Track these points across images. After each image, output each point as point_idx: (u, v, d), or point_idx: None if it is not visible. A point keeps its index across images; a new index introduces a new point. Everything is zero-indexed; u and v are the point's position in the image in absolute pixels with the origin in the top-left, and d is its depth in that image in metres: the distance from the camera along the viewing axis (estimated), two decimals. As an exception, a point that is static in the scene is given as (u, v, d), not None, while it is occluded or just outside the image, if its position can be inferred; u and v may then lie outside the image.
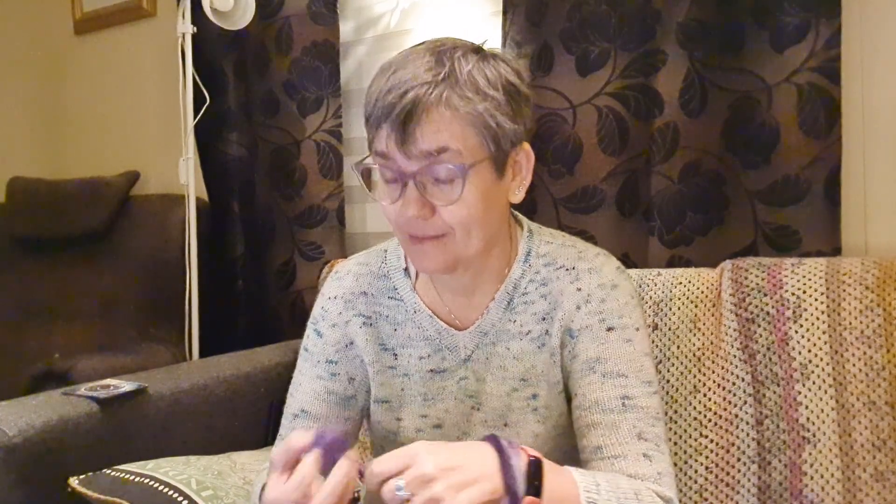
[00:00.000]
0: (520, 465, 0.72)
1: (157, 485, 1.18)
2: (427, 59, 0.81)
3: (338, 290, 1.01)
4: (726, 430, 1.21)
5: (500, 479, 0.70)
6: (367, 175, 0.87)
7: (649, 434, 0.84)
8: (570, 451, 0.92)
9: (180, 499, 1.15)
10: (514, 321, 0.93)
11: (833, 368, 1.16)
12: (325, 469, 0.72)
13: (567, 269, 0.92)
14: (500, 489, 0.69)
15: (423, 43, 0.86)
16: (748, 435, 1.20)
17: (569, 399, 0.93)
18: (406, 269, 0.98)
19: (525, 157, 0.88)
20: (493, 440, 0.73)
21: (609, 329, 0.89)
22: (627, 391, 0.86)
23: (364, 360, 0.99)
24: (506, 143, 0.84)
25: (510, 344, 0.93)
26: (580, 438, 0.88)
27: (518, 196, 0.89)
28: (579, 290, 0.91)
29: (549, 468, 0.74)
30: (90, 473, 1.21)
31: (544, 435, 0.92)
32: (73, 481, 1.19)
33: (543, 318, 0.92)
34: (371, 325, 0.98)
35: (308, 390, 1.00)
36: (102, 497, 1.16)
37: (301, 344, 1.04)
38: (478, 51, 0.84)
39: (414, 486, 0.68)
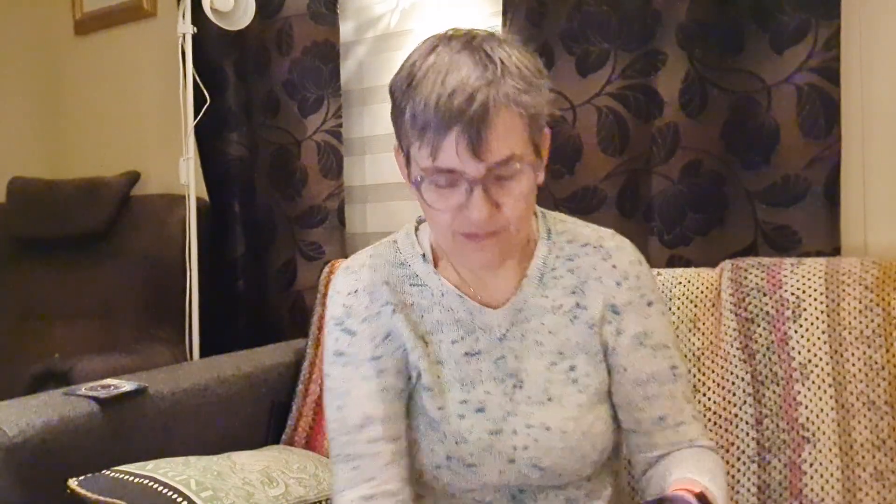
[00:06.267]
0: None
1: (156, 486, 1.18)
2: (471, 56, 0.80)
3: (356, 283, 0.97)
4: (726, 430, 1.21)
5: None
6: (419, 185, 0.84)
7: (689, 395, 0.94)
8: (606, 419, 0.93)
9: (180, 500, 1.16)
10: (546, 296, 0.95)
11: (832, 368, 1.16)
12: None
13: (594, 247, 0.96)
14: None
15: (441, 40, 0.84)
16: (748, 434, 1.20)
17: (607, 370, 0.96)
18: (424, 255, 0.97)
19: (545, 139, 0.91)
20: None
21: (649, 304, 0.94)
22: (674, 361, 0.93)
23: (406, 347, 0.94)
24: (543, 130, 0.87)
25: (544, 319, 0.94)
26: (635, 411, 0.93)
27: (541, 178, 0.90)
28: (615, 267, 0.95)
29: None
30: (89, 475, 1.21)
31: (587, 404, 0.92)
32: (73, 482, 1.19)
33: (573, 292, 0.95)
34: (400, 312, 0.95)
35: (362, 395, 0.93)
36: (102, 498, 1.16)
37: (327, 349, 0.96)
38: (498, 38, 0.84)
39: None
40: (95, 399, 1.32)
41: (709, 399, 1.23)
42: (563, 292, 0.95)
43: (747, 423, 1.20)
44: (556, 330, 0.94)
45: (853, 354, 1.15)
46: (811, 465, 1.15)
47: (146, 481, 1.19)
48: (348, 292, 0.96)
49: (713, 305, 1.27)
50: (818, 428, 1.15)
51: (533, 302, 0.94)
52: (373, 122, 1.92)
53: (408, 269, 0.97)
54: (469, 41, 0.82)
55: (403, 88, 0.82)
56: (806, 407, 1.16)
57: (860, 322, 1.15)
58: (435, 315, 0.95)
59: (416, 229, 0.99)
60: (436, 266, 0.97)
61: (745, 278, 1.24)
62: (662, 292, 1.30)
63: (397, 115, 0.84)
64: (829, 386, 1.16)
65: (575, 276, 0.95)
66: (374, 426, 0.92)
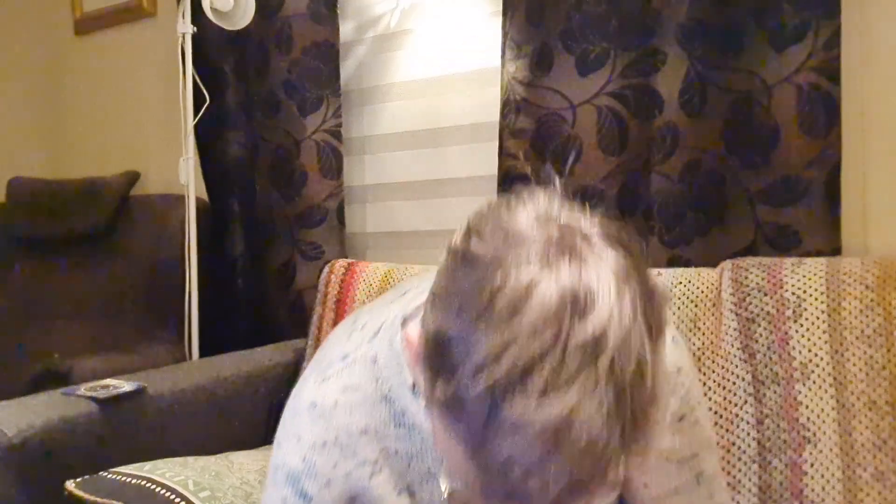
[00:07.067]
0: None
1: (154, 486, 1.18)
2: (599, 411, 0.50)
3: (326, 433, 0.74)
4: (727, 430, 1.21)
5: None
6: None
7: (716, 488, 0.84)
8: None
9: (177, 500, 1.15)
10: None
11: (833, 368, 1.16)
12: None
13: None
14: None
15: (550, 335, 0.50)
16: (749, 435, 1.20)
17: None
18: (414, 386, 0.73)
19: None
20: None
21: (680, 419, 0.81)
22: (701, 467, 0.83)
23: None
24: None
25: None
26: None
27: None
28: None
29: None
30: (87, 476, 1.21)
31: None
32: (70, 484, 1.19)
33: None
34: (380, 470, 0.76)
35: None
36: (100, 500, 1.16)
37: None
38: (635, 351, 0.52)
39: None
40: (95, 399, 1.32)
41: (709, 399, 1.23)
42: None
43: (748, 423, 1.20)
44: None
45: (854, 354, 1.14)
46: (812, 465, 1.14)
47: (144, 482, 1.19)
48: (313, 443, 0.74)
49: (714, 305, 1.27)
50: (819, 428, 1.15)
51: None
52: (372, 121, 1.92)
53: (391, 405, 0.75)
54: (595, 354, 0.50)
55: (477, 398, 0.51)
56: (807, 407, 1.16)
57: (861, 322, 1.15)
58: (426, 463, 0.76)
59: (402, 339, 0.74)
60: None
61: (746, 278, 1.24)
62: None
63: (444, 393, 0.53)
64: (830, 386, 1.15)
65: None
66: None
